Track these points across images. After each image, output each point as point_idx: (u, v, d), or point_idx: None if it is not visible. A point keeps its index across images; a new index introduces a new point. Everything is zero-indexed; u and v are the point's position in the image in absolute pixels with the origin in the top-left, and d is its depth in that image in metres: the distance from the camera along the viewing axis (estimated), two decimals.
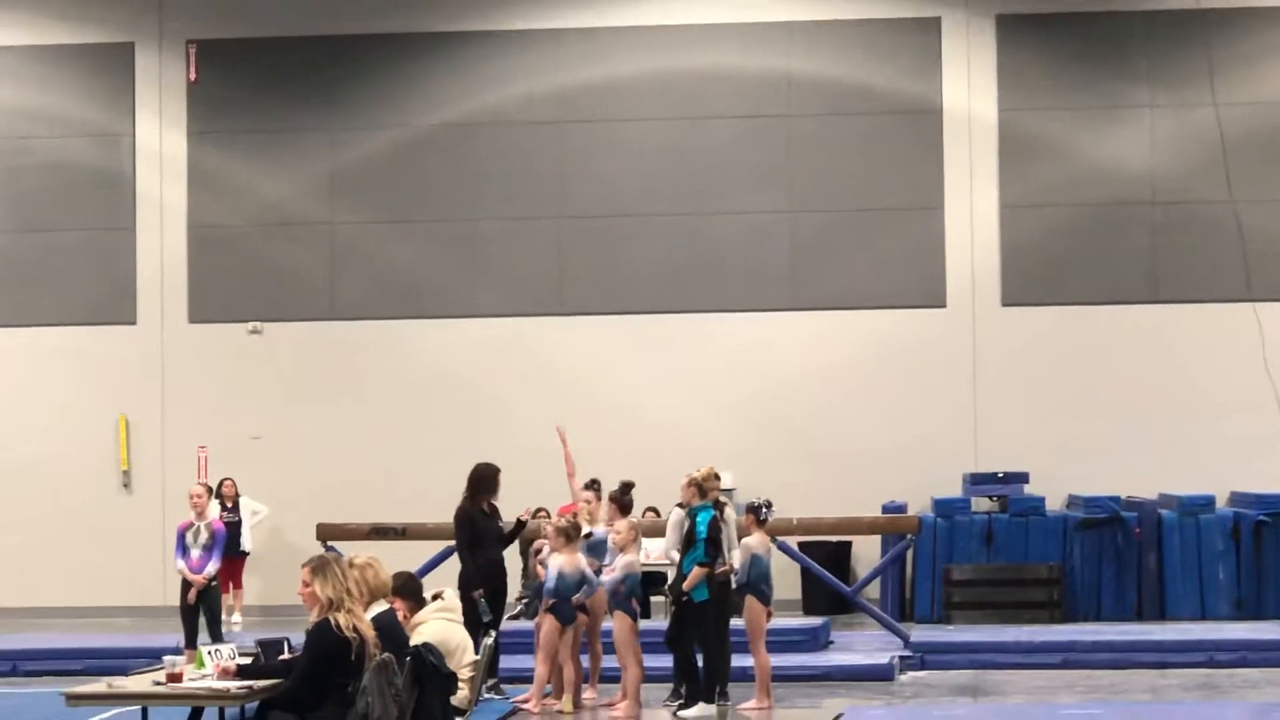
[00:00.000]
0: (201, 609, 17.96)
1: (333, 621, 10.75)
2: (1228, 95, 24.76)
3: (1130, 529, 23.16)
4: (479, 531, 17.00)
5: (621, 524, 16.24)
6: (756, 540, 16.32)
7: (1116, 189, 24.97)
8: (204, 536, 18.02)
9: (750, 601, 16.23)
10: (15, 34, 26.28)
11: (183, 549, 18.08)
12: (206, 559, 17.96)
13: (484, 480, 17.23)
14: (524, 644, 17.59)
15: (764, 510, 16.42)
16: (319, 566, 10.99)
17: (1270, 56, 24.95)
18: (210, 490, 19.50)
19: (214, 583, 18.06)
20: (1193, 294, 24.86)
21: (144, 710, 12.19)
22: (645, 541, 17.20)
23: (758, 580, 16.26)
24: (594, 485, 17.70)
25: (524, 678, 16.84)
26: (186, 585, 17.95)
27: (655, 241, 25.47)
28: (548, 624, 16.21)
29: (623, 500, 16.79)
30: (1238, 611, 22.83)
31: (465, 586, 16.58)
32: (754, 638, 16.31)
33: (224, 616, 19.81)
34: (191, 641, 17.66)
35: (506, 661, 17.32)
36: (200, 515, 18.18)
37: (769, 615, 16.52)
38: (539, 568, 17.01)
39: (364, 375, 25.73)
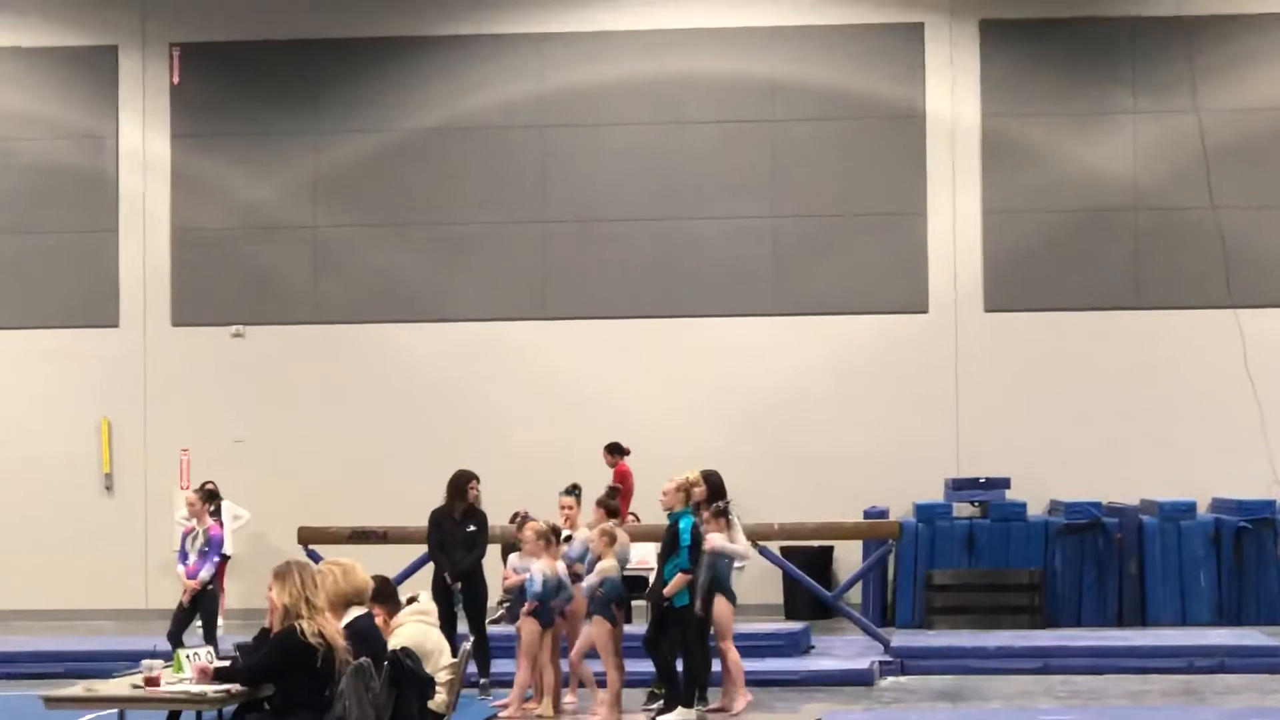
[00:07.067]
0: (198, 613, 17.99)
1: (298, 629, 10.73)
2: (1210, 102, 24.82)
3: (1111, 535, 23.16)
4: (444, 534, 17.47)
5: (594, 530, 16.31)
6: (720, 538, 16.34)
7: (1099, 195, 25.00)
8: (200, 541, 18.05)
9: (718, 600, 16.25)
10: None
11: (184, 553, 18.13)
12: (202, 564, 17.98)
13: (451, 486, 17.62)
14: (505, 648, 17.57)
15: (725, 508, 16.49)
16: (281, 573, 11.01)
17: (1252, 64, 25.00)
18: (210, 496, 19.42)
19: (209, 587, 18.07)
20: (1175, 300, 24.89)
21: (120, 714, 12.20)
22: (635, 546, 17.35)
23: (723, 578, 16.29)
24: (574, 491, 17.73)
25: (504, 681, 16.88)
26: None
27: (638, 246, 25.46)
28: (529, 627, 16.24)
29: (609, 505, 16.89)
30: (1218, 617, 22.85)
31: (437, 583, 17.08)
32: (722, 635, 16.35)
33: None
34: (175, 643, 17.60)
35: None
36: (200, 520, 18.22)
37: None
38: (511, 573, 17.09)
39: (347, 379, 25.70)
